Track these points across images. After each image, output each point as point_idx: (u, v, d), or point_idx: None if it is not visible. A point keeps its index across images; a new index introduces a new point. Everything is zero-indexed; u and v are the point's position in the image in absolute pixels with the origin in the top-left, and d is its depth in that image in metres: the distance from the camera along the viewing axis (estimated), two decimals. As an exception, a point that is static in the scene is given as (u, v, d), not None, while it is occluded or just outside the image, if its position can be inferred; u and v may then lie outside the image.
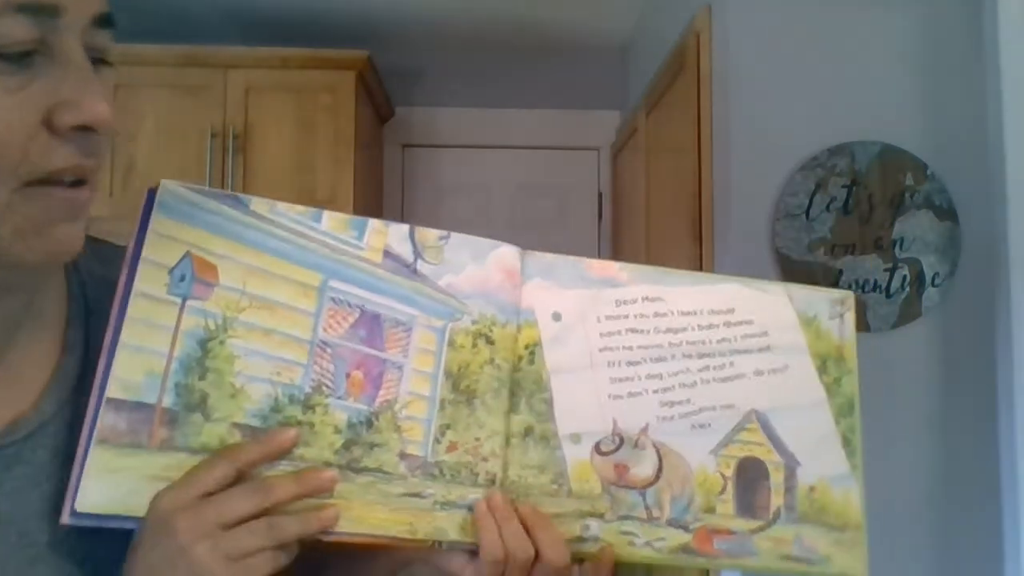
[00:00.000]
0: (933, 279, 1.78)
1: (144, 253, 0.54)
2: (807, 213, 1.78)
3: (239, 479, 0.53)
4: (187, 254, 0.55)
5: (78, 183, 0.49)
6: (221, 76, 2.58)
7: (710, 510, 0.63)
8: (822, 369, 0.67)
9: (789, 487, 0.64)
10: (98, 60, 0.49)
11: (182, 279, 0.55)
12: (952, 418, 1.75)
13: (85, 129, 0.47)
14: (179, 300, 0.55)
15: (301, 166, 2.57)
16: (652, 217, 2.51)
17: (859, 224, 1.78)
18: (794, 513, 0.64)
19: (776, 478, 0.64)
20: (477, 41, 2.96)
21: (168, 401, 0.53)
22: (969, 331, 1.77)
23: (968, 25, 1.80)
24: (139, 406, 0.52)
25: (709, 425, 0.64)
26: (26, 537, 0.52)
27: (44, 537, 0.52)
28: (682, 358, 0.65)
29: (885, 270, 1.77)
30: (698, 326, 0.66)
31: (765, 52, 1.82)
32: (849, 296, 0.70)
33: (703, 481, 0.63)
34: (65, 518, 0.51)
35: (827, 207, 1.78)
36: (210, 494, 0.51)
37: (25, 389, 0.54)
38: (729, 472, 0.64)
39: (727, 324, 0.67)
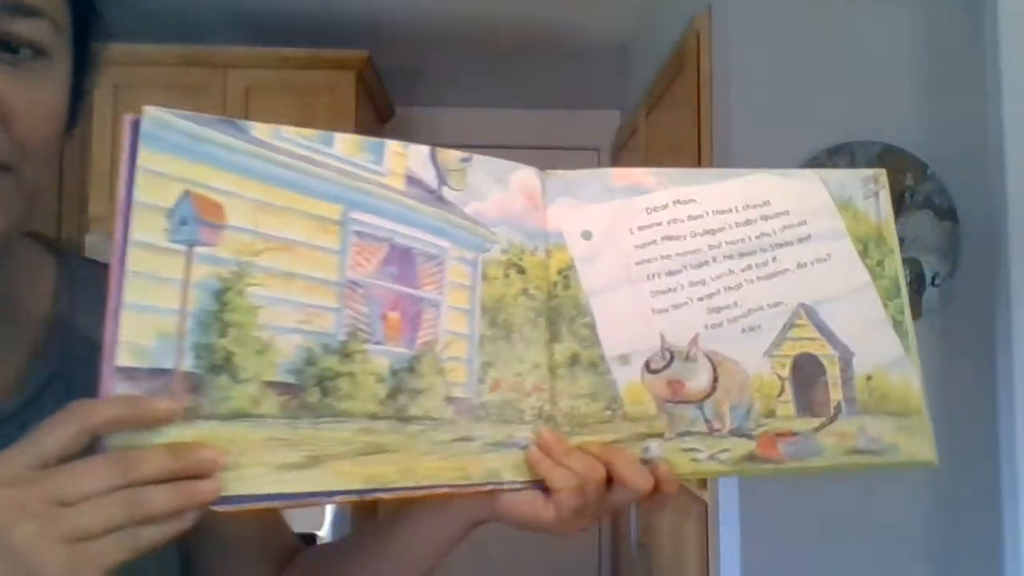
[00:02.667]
0: (933, 279, 1.78)
1: (136, 196, 0.46)
2: (807, 213, 1.78)
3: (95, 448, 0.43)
4: (186, 193, 0.48)
5: None
6: (221, 76, 2.58)
7: (771, 414, 0.60)
8: (863, 253, 0.64)
9: (846, 379, 0.61)
10: (12, 48, 0.48)
11: (183, 223, 0.47)
12: (952, 418, 1.75)
13: None
14: (184, 248, 0.47)
15: (301, 166, 2.57)
16: (652, 217, 2.52)
17: (859, 224, 1.78)
18: (854, 405, 0.61)
19: (832, 371, 0.61)
20: (477, 41, 2.96)
21: (188, 364, 0.47)
22: (969, 331, 1.77)
23: (968, 25, 1.80)
24: (156, 372, 0.46)
25: (759, 326, 0.61)
26: None
27: None
28: (723, 260, 0.62)
29: (885, 270, 1.77)
30: (735, 223, 0.63)
31: (765, 52, 1.82)
32: (882, 173, 0.67)
33: (760, 385, 0.60)
34: None
35: (827, 207, 1.78)
36: (51, 464, 0.41)
37: None
38: (785, 372, 0.61)
39: (764, 218, 0.63)
